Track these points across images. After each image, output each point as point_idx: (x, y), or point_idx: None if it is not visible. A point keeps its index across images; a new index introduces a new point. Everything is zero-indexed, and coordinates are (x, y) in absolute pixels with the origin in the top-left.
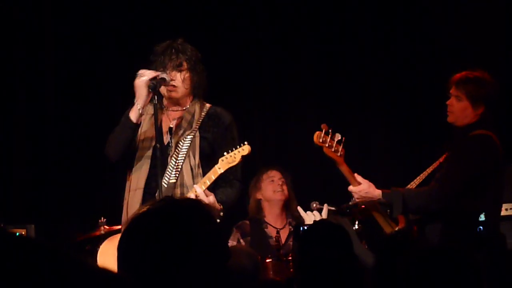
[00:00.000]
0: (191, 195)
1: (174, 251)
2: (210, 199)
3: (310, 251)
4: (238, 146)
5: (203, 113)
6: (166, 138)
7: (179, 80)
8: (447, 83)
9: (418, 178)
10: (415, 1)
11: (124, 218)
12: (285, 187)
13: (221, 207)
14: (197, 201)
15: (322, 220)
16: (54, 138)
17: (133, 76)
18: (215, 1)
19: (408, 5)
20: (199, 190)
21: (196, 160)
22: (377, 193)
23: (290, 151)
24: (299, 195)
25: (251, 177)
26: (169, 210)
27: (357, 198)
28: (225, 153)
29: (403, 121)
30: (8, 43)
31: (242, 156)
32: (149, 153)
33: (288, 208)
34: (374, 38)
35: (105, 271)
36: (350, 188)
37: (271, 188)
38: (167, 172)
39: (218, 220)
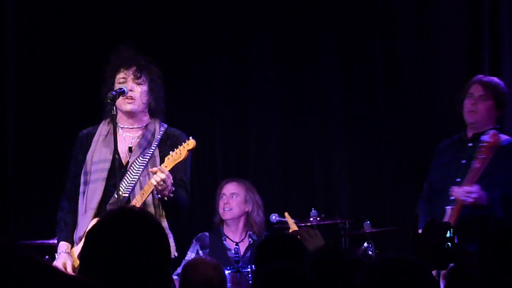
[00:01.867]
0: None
1: (125, 256)
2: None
3: (264, 263)
4: (183, 142)
5: (161, 131)
6: (126, 158)
7: (137, 91)
8: (467, 83)
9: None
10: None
11: (75, 237)
12: (235, 203)
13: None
14: (143, 212)
15: (275, 233)
16: (15, 142)
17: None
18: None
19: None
20: (155, 169)
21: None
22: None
23: (250, 158)
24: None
25: (214, 188)
26: (115, 222)
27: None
28: (171, 152)
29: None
30: None
31: (188, 151)
32: (105, 174)
33: (247, 223)
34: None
35: (65, 274)
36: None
37: (221, 205)
38: (122, 188)
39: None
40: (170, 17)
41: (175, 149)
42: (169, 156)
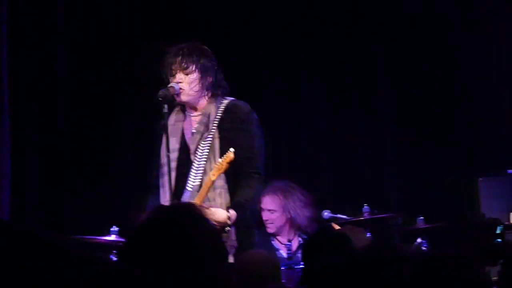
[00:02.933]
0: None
1: (168, 257)
2: (211, 210)
3: (312, 259)
4: (225, 154)
5: (220, 110)
6: (191, 144)
7: (185, 82)
8: None
9: None
10: None
11: None
12: (274, 217)
13: (234, 212)
14: (189, 205)
15: (322, 229)
16: (67, 143)
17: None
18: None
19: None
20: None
21: (217, 161)
22: None
23: (300, 155)
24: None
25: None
26: (162, 217)
27: None
28: (218, 160)
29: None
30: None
31: (228, 163)
32: (173, 165)
33: (292, 226)
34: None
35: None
36: None
37: (263, 218)
38: (190, 177)
39: (228, 227)
40: (206, 15)
41: (222, 158)
42: (215, 166)
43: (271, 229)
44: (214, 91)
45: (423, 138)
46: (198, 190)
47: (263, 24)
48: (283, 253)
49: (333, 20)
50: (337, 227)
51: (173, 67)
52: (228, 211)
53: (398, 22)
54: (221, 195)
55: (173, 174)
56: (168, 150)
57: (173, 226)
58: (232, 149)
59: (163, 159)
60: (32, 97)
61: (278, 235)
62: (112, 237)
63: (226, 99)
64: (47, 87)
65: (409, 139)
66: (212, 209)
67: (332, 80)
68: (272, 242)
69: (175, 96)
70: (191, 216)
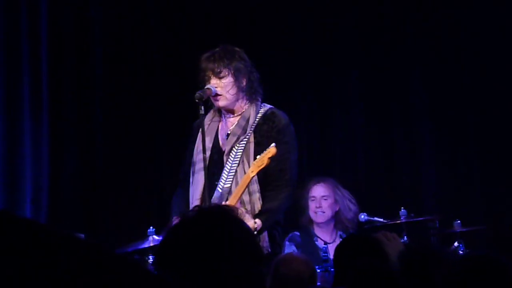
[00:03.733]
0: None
1: (205, 260)
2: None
3: (343, 264)
4: (267, 148)
5: (258, 116)
6: (224, 145)
7: (220, 87)
8: None
9: None
10: None
11: None
12: (326, 205)
13: (260, 221)
14: (225, 208)
15: (353, 234)
16: (103, 146)
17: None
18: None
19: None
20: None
21: (250, 166)
22: None
23: (336, 158)
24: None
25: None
26: (196, 219)
27: None
28: (257, 156)
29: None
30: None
31: (269, 158)
32: (204, 164)
33: (337, 222)
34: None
35: (144, 269)
36: None
37: (312, 208)
38: (222, 179)
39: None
40: (255, 16)
41: (261, 154)
42: (254, 161)
43: (320, 218)
44: (251, 94)
45: (461, 139)
46: (229, 192)
47: (296, 22)
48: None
49: (367, 19)
50: None
51: (207, 73)
52: (255, 219)
53: (435, 22)
54: (260, 200)
55: (203, 174)
56: (204, 150)
57: (211, 228)
58: (273, 144)
59: (195, 157)
60: (69, 98)
61: (322, 229)
62: (150, 238)
63: (265, 105)
64: (85, 88)
65: (446, 140)
66: (242, 214)
67: (368, 80)
68: (316, 242)
69: (214, 101)
70: (230, 219)
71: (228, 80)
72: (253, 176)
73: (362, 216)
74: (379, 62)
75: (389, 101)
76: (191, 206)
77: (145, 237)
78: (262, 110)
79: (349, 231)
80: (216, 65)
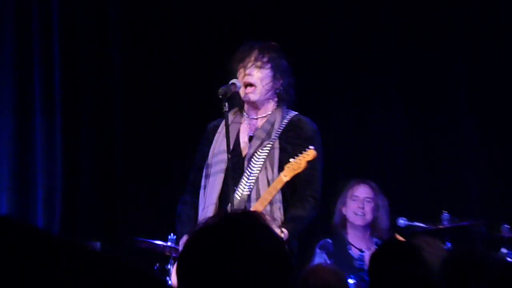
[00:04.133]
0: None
1: (232, 269)
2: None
3: (379, 272)
4: (304, 151)
5: (284, 121)
6: (245, 148)
7: (257, 77)
8: None
9: None
10: None
11: None
12: (369, 209)
13: (286, 230)
14: (253, 214)
15: (390, 239)
16: (122, 145)
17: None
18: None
19: None
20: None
21: (274, 173)
22: None
23: (373, 159)
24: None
25: (334, 189)
26: (223, 226)
27: None
28: (291, 159)
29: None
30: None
31: (308, 162)
32: (224, 166)
33: (374, 229)
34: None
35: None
36: None
37: (353, 209)
38: (241, 184)
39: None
40: (287, 13)
41: (295, 157)
42: (288, 165)
43: (360, 220)
44: (282, 98)
45: (507, 138)
46: (247, 200)
47: (335, 23)
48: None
49: (405, 16)
50: (400, 238)
51: (247, 59)
52: (281, 229)
53: (478, 18)
54: (280, 210)
55: (221, 176)
56: (228, 151)
57: (237, 236)
58: (312, 147)
59: (211, 159)
60: (85, 93)
61: (357, 235)
62: (170, 245)
63: (290, 111)
64: (102, 81)
65: (492, 139)
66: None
67: (408, 78)
68: (350, 251)
69: (244, 94)
70: (258, 225)
71: (267, 73)
72: (286, 181)
73: (401, 221)
74: (418, 60)
75: (429, 100)
76: (203, 211)
77: (165, 244)
78: (288, 116)
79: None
80: (260, 53)
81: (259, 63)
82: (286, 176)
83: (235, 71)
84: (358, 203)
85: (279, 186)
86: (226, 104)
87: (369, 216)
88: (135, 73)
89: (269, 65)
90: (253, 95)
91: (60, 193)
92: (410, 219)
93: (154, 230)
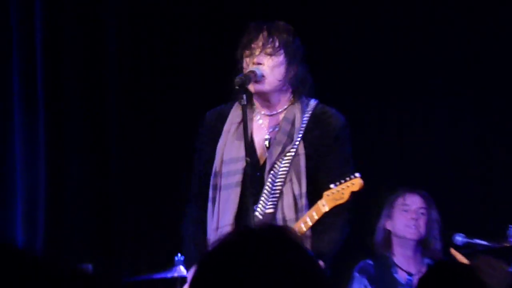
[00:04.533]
0: None
1: None
2: None
3: None
4: (348, 178)
5: (306, 116)
6: (263, 155)
7: (267, 66)
8: None
9: None
10: None
11: None
12: (422, 222)
13: (322, 262)
14: (281, 231)
15: (442, 261)
16: (117, 149)
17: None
18: None
19: None
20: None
21: (302, 187)
22: None
23: (420, 167)
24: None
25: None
26: (245, 244)
27: None
28: (331, 186)
29: None
30: None
31: (352, 193)
32: (239, 178)
33: (426, 247)
34: None
35: None
36: None
37: (404, 221)
38: (262, 201)
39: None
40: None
41: (337, 184)
42: (329, 192)
43: (413, 234)
44: (298, 88)
45: None
46: (272, 219)
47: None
48: None
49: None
50: (459, 256)
51: (254, 45)
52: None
53: None
54: (309, 229)
55: (237, 191)
56: (247, 162)
57: (264, 255)
58: (358, 174)
59: (221, 167)
60: (73, 88)
61: (405, 254)
62: (177, 268)
63: (310, 100)
64: (94, 74)
65: None
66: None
67: (457, 72)
68: (395, 274)
69: (252, 83)
70: (290, 243)
71: (279, 59)
72: (326, 212)
73: (459, 238)
74: (468, 56)
75: (486, 97)
76: (217, 232)
77: (171, 266)
78: (309, 109)
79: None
80: (270, 37)
81: (269, 49)
82: (325, 205)
83: (239, 58)
84: (411, 213)
85: (317, 216)
86: (245, 96)
87: (423, 230)
88: (133, 66)
89: (281, 51)
90: (266, 85)
91: (43, 205)
92: (468, 235)
93: (158, 250)
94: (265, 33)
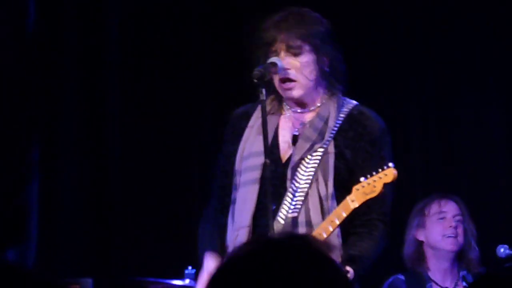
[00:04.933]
0: None
1: None
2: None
3: None
4: (381, 169)
5: (341, 115)
6: (287, 151)
7: (296, 67)
8: None
9: None
10: None
11: None
12: (461, 231)
13: (351, 269)
14: (304, 240)
15: (492, 272)
16: (118, 153)
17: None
18: None
19: None
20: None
21: (329, 188)
22: None
23: (464, 171)
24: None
25: (406, 208)
26: (263, 255)
27: None
28: (361, 179)
29: None
30: None
31: (385, 185)
32: (257, 174)
33: (462, 258)
34: None
35: None
36: None
37: (440, 230)
38: (285, 203)
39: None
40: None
41: (368, 177)
42: (358, 187)
43: (452, 245)
44: (333, 82)
45: None
46: (294, 224)
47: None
48: None
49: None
50: None
51: (275, 46)
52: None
53: None
54: (339, 237)
55: (255, 189)
56: (266, 153)
57: (284, 267)
58: (392, 164)
59: (240, 164)
60: (68, 84)
61: (440, 267)
62: (187, 282)
63: (347, 101)
64: (90, 66)
65: None
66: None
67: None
68: None
69: (283, 91)
70: (313, 254)
71: (307, 58)
72: (355, 208)
73: (502, 250)
74: None
75: None
76: (232, 236)
77: (181, 280)
78: (345, 109)
79: (476, 272)
80: (291, 34)
81: (294, 50)
82: (354, 201)
83: (258, 57)
84: (448, 222)
85: (345, 214)
86: (264, 90)
87: (461, 239)
88: (135, 67)
89: (307, 47)
90: (296, 91)
91: (36, 215)
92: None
93: (166, 263)
94: (285, 32)
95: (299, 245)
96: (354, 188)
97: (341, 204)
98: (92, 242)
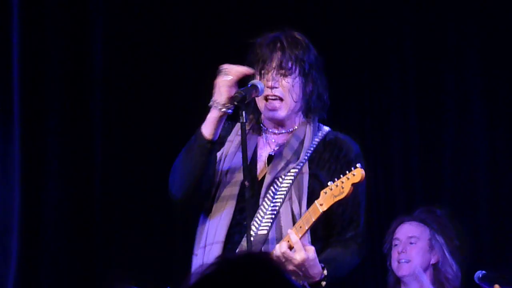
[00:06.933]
0: (278, 248)
1: None
2: (310, 255)
3: None
4: (349, 171)
5: (316, 139)
6: (263, 170)
7: (284, 87)
8: None
9: None
10: None
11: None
12: (415, 251)
13: (325, 272)
14: (261, 259)
15: None
16: (103, 166)
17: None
18: None
19: None
20: (294, 238)
21: (302, 207)
22: None
23: (445, 184)
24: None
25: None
26: (221, 275)
27: None
28: (329, 183)
29: None
30: None
31: (353, 185)
32: (235, 191)
33: (435, 278)
34: None
35: None
36: None
37: (396, 256)
38: (256, 219)
39: None
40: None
41: (335, 180)
42: (326, 190)
43: (403, 270)
44: (312, 107)
45: None
46: (265, 241)
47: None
48: None
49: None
50: None
51: (267, 66)
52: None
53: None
54: (309, 243)
55: (232, 205)
56: (245, 176)
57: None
58: (359, 165)
59: (222, 177)
60: (53, 94)
61: None
62: None
63: (322, 126)
64: (76, 77)
65: None
66: (310, 262)
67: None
68: None
69: (269, 112)
70: (270, 274)
71: (296, 80)
72: (324, 212)
73: (480, 275)
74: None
75: None
76: (205, 250)
77: None
78: (320, 133)
79: None
80: (284, 55)
81: (284, 70)
82: (322, 204)
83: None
84: (400, 247)
85: (313, 218)
86: (244, 113)
87: (416, 261)
88: (120, 73)
89: (296, 69)
90: (281, 111)
91: (16, 232)
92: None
93: (148, 282)
94: (279, 52)
95: (255, 264)
96: (322, 192)
97: (310, 209)
98: (74, 263)
